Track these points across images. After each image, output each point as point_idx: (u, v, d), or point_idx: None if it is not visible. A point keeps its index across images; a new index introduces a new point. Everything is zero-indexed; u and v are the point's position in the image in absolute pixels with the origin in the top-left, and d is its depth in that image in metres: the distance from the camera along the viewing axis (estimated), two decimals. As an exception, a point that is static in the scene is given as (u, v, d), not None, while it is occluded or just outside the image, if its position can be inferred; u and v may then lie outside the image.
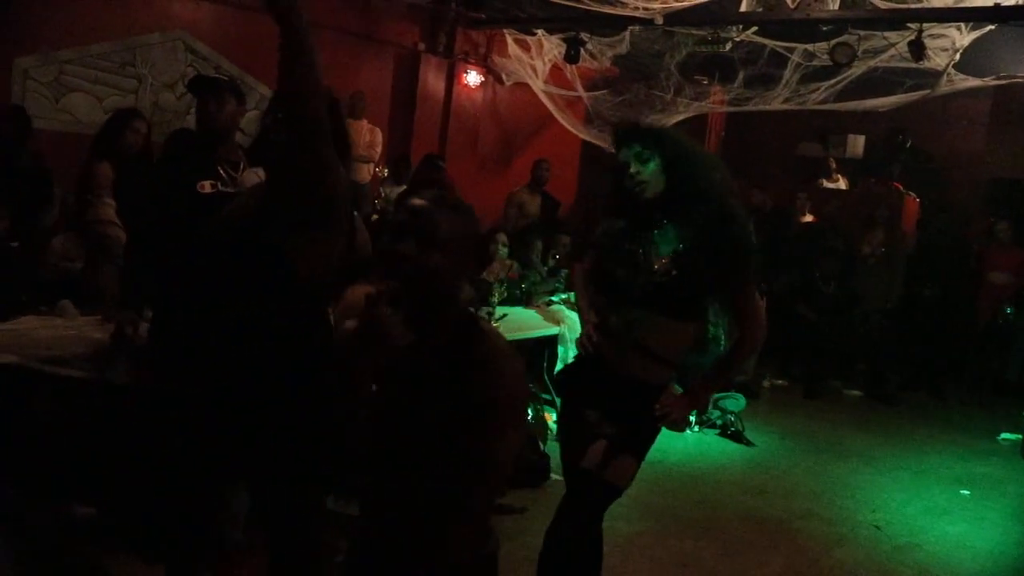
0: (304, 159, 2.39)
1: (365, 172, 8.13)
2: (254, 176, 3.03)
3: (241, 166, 3.20)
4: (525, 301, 6.13)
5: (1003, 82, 8.07)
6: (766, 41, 8.02)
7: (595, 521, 2.84)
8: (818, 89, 8.20)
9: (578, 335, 3.02)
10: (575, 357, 3.05)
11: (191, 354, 2.61)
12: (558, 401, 3.10)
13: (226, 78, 3.64)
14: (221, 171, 3.17)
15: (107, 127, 4.78)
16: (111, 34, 6.85)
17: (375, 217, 6.58)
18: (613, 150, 2.86)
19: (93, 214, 4.57)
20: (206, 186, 3.12)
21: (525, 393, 1.97)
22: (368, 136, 8.19)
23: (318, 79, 2.35)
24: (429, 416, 1.85)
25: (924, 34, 7.10)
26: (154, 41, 7.12)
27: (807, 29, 7.80)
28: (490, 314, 5.13)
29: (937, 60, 7.45)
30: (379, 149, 8.32)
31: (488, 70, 9.79)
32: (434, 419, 1.85)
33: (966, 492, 5.64)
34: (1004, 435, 7.14)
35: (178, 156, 3.50)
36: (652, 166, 2.73)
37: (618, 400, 2.78)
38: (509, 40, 9.31)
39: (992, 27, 7.08)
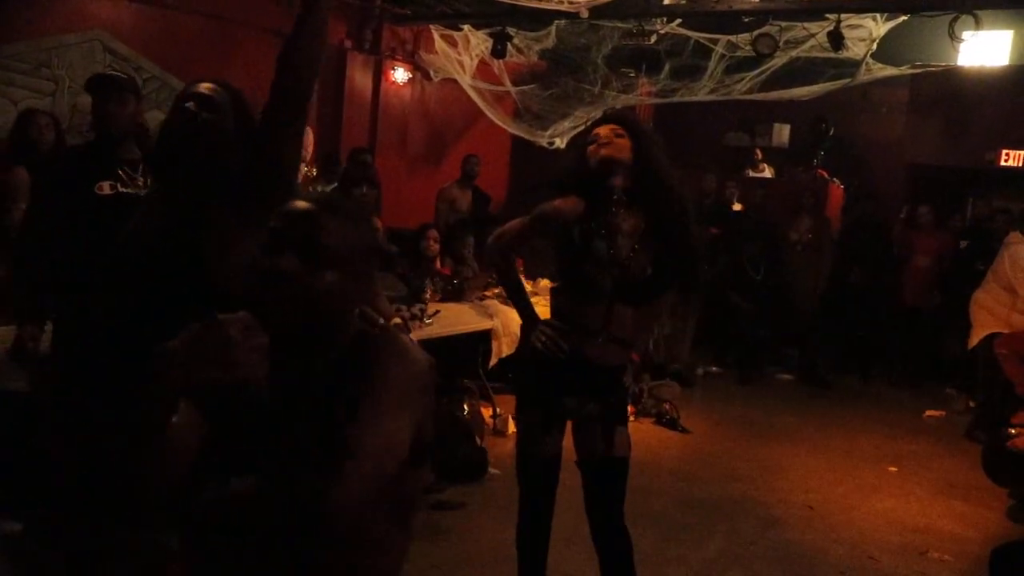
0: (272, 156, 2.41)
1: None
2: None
3: (140, 166, 3.13)
4: (458, 297, 6.12)
5: (918, 70, 8.31)
6: (690, 33, 8.12)
7: (623, 502, 3.01)
8: (743, 80, 8.34)
9: (526, 335, 3.02)
10: (532, 350, 2.94)
11: (103, 365, 2.51)
12: (521, 396, 3.08)
13: (125, 76, 3.46)
14: (120, 172, 3.11)
15: (13, 131, 4.69)
16: (24, 34, 6.62)
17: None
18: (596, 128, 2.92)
19: (10, 220, 4.46)
20: (104, 187, 3.06)
21: (418, 378, 1.60)
22: (297, 135, 8.07)
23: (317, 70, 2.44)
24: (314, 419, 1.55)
25: (842, 24, 7.27)
26: (70, 42, 6.91)
27: (730, 20, 7.93)
28: (423, 311, 5.11)
29: (855, 50, 7.64)
30: (310, 149, 8.21)
31: (415, 66, 9.73)
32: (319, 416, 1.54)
33: (893, 469, 5.80)
34: (929, 412, 7.37)
35: (73, 157, 3.36)
36: (623, 142, 2.81)
37: (593, 383, 2.90)
38: (436, 36, 9.27)
39: (905, 17, 7.28)
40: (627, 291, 2.81)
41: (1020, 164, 9.02)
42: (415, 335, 4.52)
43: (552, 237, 2.91)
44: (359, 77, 9.29)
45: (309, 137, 8.18)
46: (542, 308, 3.19)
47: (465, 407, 5.20)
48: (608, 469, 2.92)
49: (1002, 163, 9.05)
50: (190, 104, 2.49)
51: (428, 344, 4.39)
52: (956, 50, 7.38)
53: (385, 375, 1.56)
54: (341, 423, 1.50)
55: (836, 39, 7.30)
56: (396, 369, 1.58)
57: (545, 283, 6.24)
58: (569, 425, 2.99)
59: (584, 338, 2.86)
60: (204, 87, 2.54)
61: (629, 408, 6.16)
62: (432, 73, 9.77)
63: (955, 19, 6.91)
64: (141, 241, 2.50)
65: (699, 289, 3.01)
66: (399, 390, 1.57)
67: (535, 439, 2.93)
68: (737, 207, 9.25)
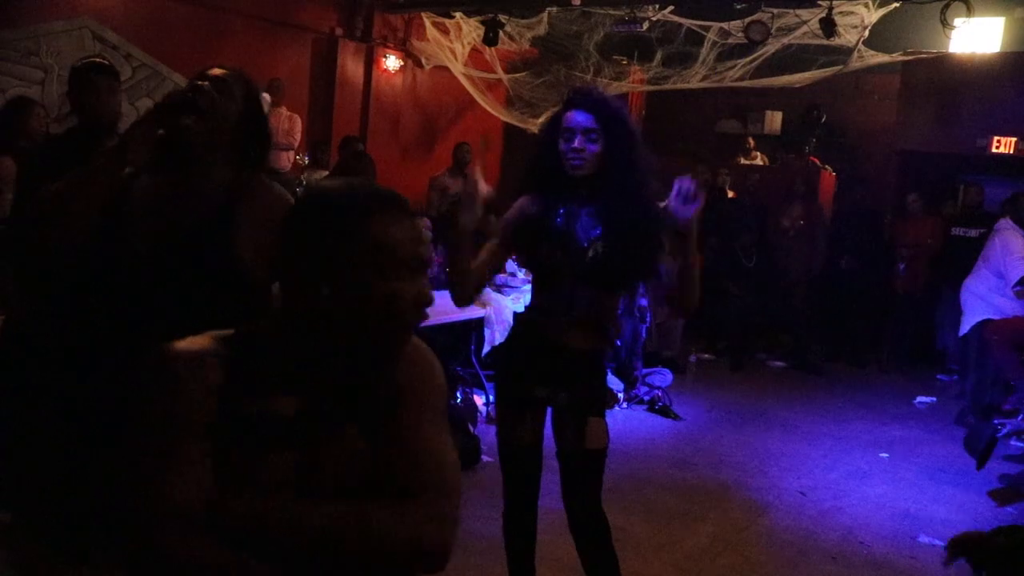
0: None
1: (284, 160, 8.01)
2: None
3: None
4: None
5: (910, 57, 8.33)
6: (682, 20, 8.12)
7: (600, 492, 2.91)
8: (735, 67, 8.34)
9: (515, 323, 3.02)
10: (508, 337, 3.03)
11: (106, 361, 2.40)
12: (496, 383, 3.08)
13: (107, 61, 3.25)
14: None
15: (1, 120, 4.63)
16: (12, 22, 6.58)
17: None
18: (563, 108, 2.78)
19: (-2, 211, 4.43)
20: None
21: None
22: (287, 123, 8.07)
23: None
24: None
25: (834, 11, 7.27)
26: (59, 29, 6.87)
27: (722, 7, 7.93)
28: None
29: (847, 37, 7.65)
30: (299, 136, 8.21)
31: (407, 54, 9.71)
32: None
33: (885, 455, 5.83)
34: (919, 398, 7.40)
35: (58, 148, 3.23)
36: (595, 148, 2.70)
37: (565, 371, 2.82)
38: (427, 23, 9.25)
39: (897, 4, 7.29)
40: (587, 272, 2.76)
41: (1011, 151, 9.03)
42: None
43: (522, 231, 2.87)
44: (350, 65, 9.27)
45: (297, 124, 8.19)
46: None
47: (458, 395, 5.21)
48: (579, 461, 2.86)
49: (993, 150, 9.06)
50: (204, 83, 2.24)
51: (421, 332, 4.36)
52: (948, 37, 7.40)
53: (429, 395, 1.47)
54: (418, 458, 1.39)
55: (828, 26, 7.30)
56: (437, 390, 1.50)
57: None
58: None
59: (548, 321, 2.83)
60: (217, 71, 2.33)
61: (617, 396, 6.28)
62: (424, 61, 9.75)
63: (946, 6, 6.92)
64: (158, 226, 2.28)
65: (649, 277, 2.94)
66: (441, 409, 1.49)
67: (510, 427, 2.93)
68: (730, 194, 9.26)
